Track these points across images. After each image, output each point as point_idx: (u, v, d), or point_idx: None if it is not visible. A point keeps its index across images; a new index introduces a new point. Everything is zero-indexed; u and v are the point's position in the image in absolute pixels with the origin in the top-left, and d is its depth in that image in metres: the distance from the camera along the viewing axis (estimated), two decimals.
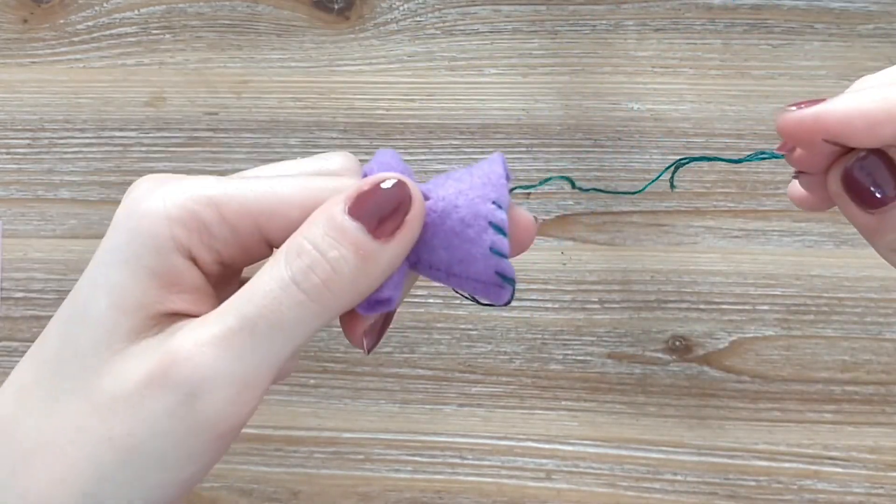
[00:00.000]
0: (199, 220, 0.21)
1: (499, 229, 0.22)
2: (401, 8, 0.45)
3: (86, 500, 0.21)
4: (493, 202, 0.22)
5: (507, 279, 0.22)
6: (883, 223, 0.23)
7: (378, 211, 0.21)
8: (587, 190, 0.26)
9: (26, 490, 0.21)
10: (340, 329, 0.23)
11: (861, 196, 0.23)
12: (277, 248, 0.21)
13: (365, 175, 0.22)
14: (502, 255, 0.22)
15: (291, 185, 0.21)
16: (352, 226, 0.20)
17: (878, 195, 0.23)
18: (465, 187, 0.22)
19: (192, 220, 0.21)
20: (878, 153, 0.23)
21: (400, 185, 0.21)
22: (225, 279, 0.23)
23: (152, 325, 0.21)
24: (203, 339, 0.20)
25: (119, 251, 0.21)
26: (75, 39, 0.46)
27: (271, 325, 0.20)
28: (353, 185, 0.21)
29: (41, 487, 0.21)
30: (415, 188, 0.21)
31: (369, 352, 0.23)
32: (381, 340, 0.24)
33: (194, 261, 0.21)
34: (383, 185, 0.21)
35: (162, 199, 0.21)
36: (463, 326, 0.44)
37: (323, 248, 0.20)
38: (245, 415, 0.20)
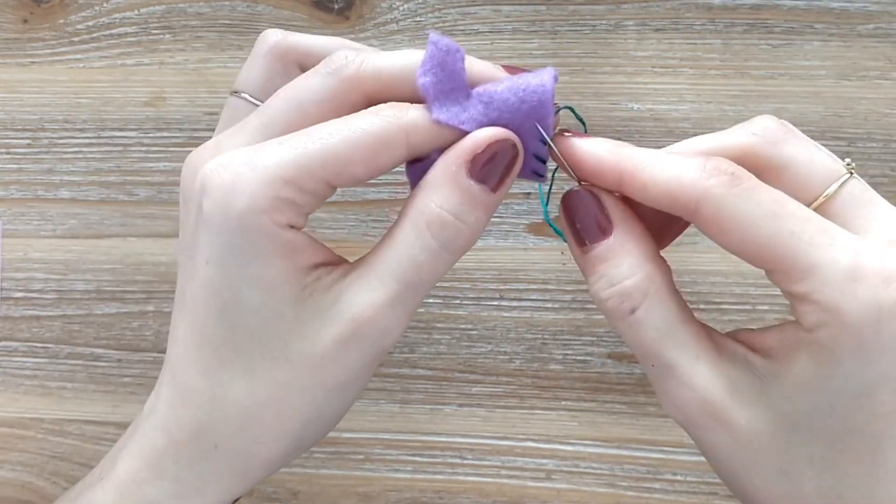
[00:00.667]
0: (286, 201, 0.24)
1: (540, 159, 0.26)
2: (401, 8, 0.45)
3: (304, 430, 0.26)
4: (541, 139, 0.26)
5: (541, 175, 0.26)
6: (587, 264, 0.26)
7: (495, 171, 0.25)
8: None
9: (258, 439, 0.26)
10: None
11: (573, 231, 0.26)
12: (338, 186, 0.25)
13: (420, 76, 0.25)
14: (540, 175, 0.26)
15: (349, 144, 0.24)
16: (478, 190, 0.25)
17: (582, 234, 0.25)
18: (517, 117, 0.25)
19: (281, 204, 0.24)
20: (591, 194, 0.25)
21: (510, 145, 0.25)
22: None
23: (302, 288, 0.25)
24: (378, 302, 0.25)
25: (239, 251, 0.24)
26: (75, 39, 0.46)
27: (427, 282, 0.25)
28: (462, 141, 0.25)
29: (272, 434, 0.26)
30: (517, 142, 0.25)
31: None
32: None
33: (293, 226, 0.25)
34: (495, 144, 0.25)
35: (249, 195, 0.24)
36: (463, 326, 0.44)
37: (462, 217, 0.25)
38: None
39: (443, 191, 0.25)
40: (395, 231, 0.25)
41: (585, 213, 0.25)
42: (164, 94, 0.46)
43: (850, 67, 0.43)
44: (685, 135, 0.44)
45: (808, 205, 0.25)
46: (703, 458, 0.43)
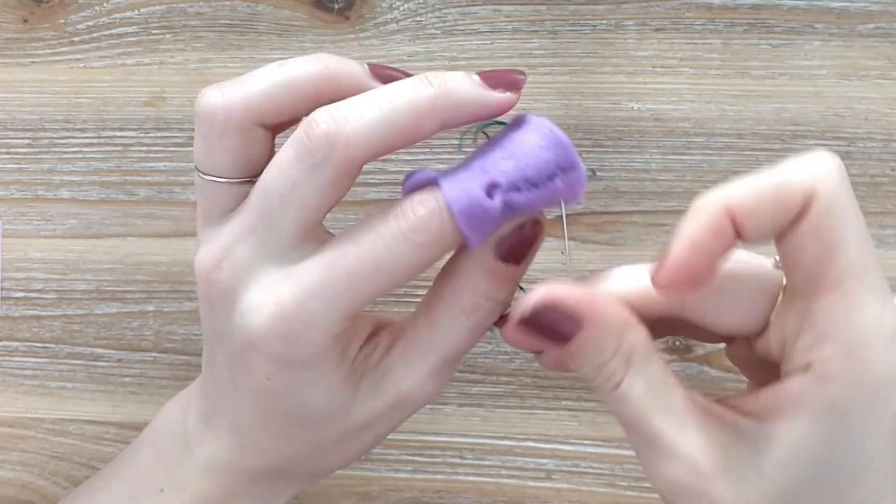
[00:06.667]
0: (344, 332, 0.27)
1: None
2: (401, 8, 0.45)
3: (331, 470, 0.32)
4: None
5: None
6: (571, 361, 0.25)
7: (520, 252, 0.26)
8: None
9: (310, 471, 0.32)
10: None
11: (545, 341, 0.25)
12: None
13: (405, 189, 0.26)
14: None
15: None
16: (506, 270, 0.26)
17: (556, 339, 0.24)
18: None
19: (342, 336, 0.27)
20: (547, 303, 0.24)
21: (538, 226, 0.26)
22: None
23: (353, 372, 0.28)
24: (420, 378, 0.28)
25: (302, 374, 0.27)
26: (75, 39, 0.46)
27: (461, 354, 0.28)
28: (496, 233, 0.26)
29: (315, 474, 0.33)
30: (542, 220, 0.26)
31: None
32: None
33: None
34: (522, 230, 0.25)
35: (313, 346, 0.26)
36: None
37: (496, 298, 0.26)
38: None
39: (475, 277, 0.26)
40: (433, 309, 0.27)
41: (550, 319, 0.24)
42: (165, 94, 0.46)
43: (850, 67, 0.43)
44: (685, 134, 0.44)
45: None
46: None
